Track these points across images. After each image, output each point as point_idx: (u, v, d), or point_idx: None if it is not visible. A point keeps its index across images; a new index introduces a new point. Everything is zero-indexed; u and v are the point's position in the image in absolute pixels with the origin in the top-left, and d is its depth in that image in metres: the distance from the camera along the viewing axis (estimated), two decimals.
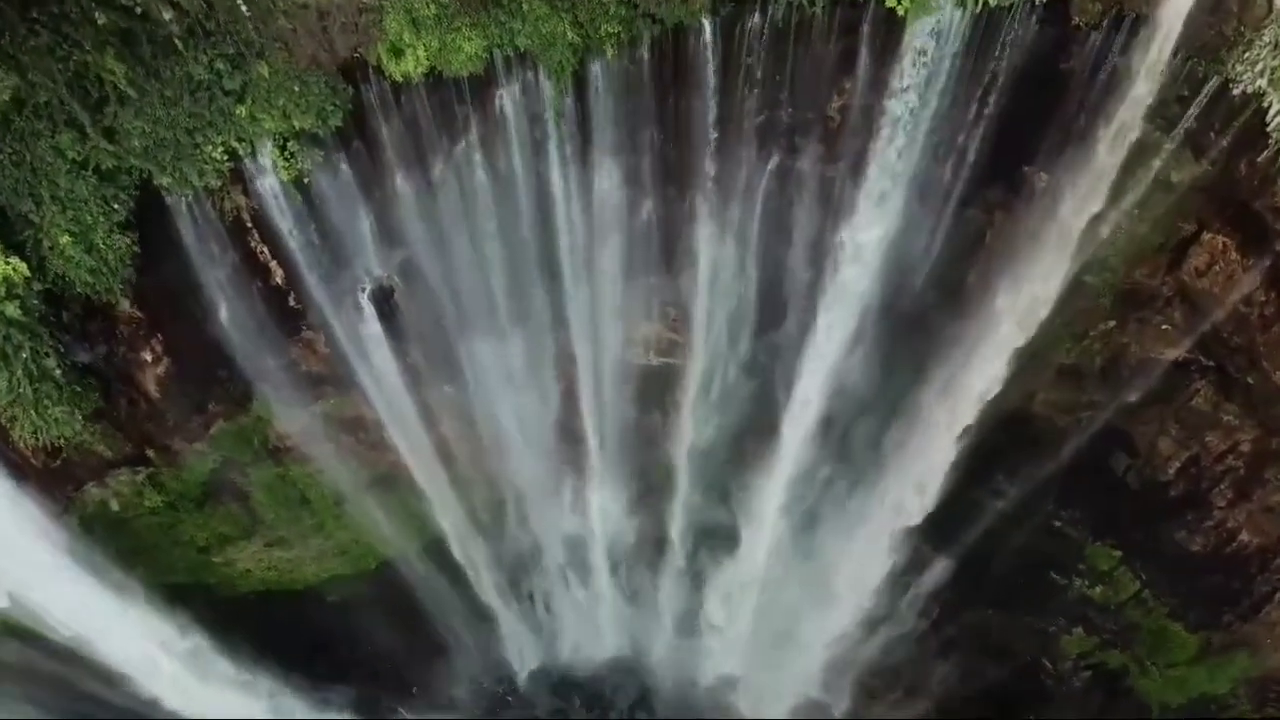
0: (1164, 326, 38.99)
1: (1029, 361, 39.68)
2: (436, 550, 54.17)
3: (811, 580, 53.87)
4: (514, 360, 42.84)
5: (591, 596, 59.17)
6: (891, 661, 57.37)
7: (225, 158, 32.08)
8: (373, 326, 38.43)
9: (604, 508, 51.69)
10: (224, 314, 37.01)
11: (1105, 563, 46.65)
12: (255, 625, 54.16)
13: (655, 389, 46.09)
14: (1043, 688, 53.00)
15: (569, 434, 48.03)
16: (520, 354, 42.64)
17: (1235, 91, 29.47)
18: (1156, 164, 32.33)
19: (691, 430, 46.57)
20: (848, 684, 60.78)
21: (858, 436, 44.43)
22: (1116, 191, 32.99)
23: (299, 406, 42.88)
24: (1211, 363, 39.03)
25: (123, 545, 46.38)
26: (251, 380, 40.86)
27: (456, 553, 53.32)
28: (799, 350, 40.55)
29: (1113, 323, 39.55)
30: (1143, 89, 29.84)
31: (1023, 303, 37.55)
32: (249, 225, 35.06)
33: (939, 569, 50.84)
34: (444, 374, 42.87)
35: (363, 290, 37.49)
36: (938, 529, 48.40)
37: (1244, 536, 40.95)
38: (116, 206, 32.59)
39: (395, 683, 61.92)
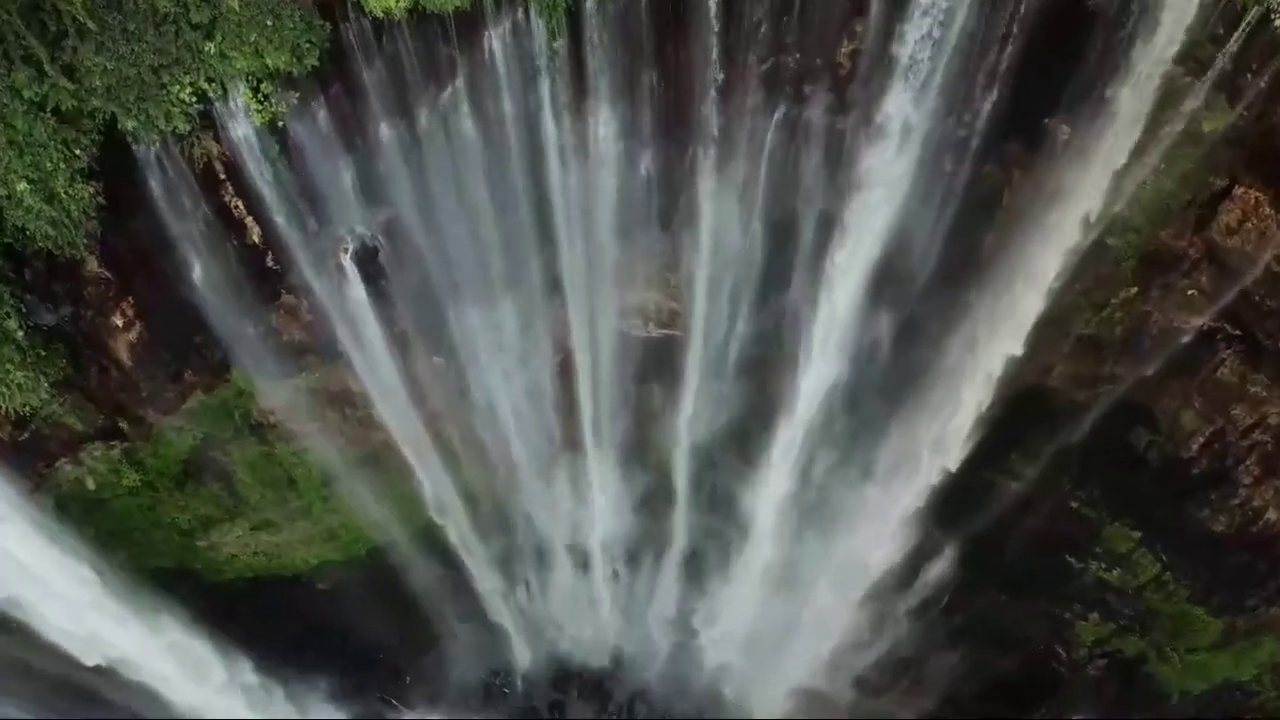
0: (1190, 292, 36.50)
1: (1047, 332, 37.38)
2: (429, 536, 51.47)
3: (817, 566, 50.87)
4: (506, 329, 40.17)
5: (589, 584, 56.37)
6: (897, 652, 54.46)
7: (194, 99, 29.42)
8: (356, 290, 35.70)
9: (602, 489, 48.89)
10: (198, 274, 34.25)
11: (1124, 544, 44.07)
12: (245, 613, 51.30)
13: (655, 363, 43.22)
14: (1055, 677, 50.44)
15: (565, 411, 45.21)
16: (513, 323, 39.97)
17: (1278, 23, 26.52)
18: (1186, 112, 29.78)
19: (693, 406, 43.80)
20: (852, 677, 57.89)
21: (868, 412, 41.48)
22: (1143, 144, 30.53)
23: (281, 378, 40.13)
24: (1238, 331, 36.77)
25: (102, 527, 43.75)
26: (230, 348, 38.10)
27: (449, 538, 50.29)
28: (806, 318, 37.65)
29: (1135, 290, 37.04)
30: (1173, 27, 27.18)
31: (1043, 267, 34.25)
32: (222, 176, 32.31)
33: (949, 554, 48.01)
34: (433, 344, 40.18)
35: (345, 251, 34.76)
36: (948, 512, 45.66)
37: (1271, 515, 39.09)
38: (78, 152, 29.81)
39: (388, 673, 59.53)
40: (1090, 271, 35.82)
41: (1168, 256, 35.71)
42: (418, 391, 42.20)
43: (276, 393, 41.35)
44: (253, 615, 52.61)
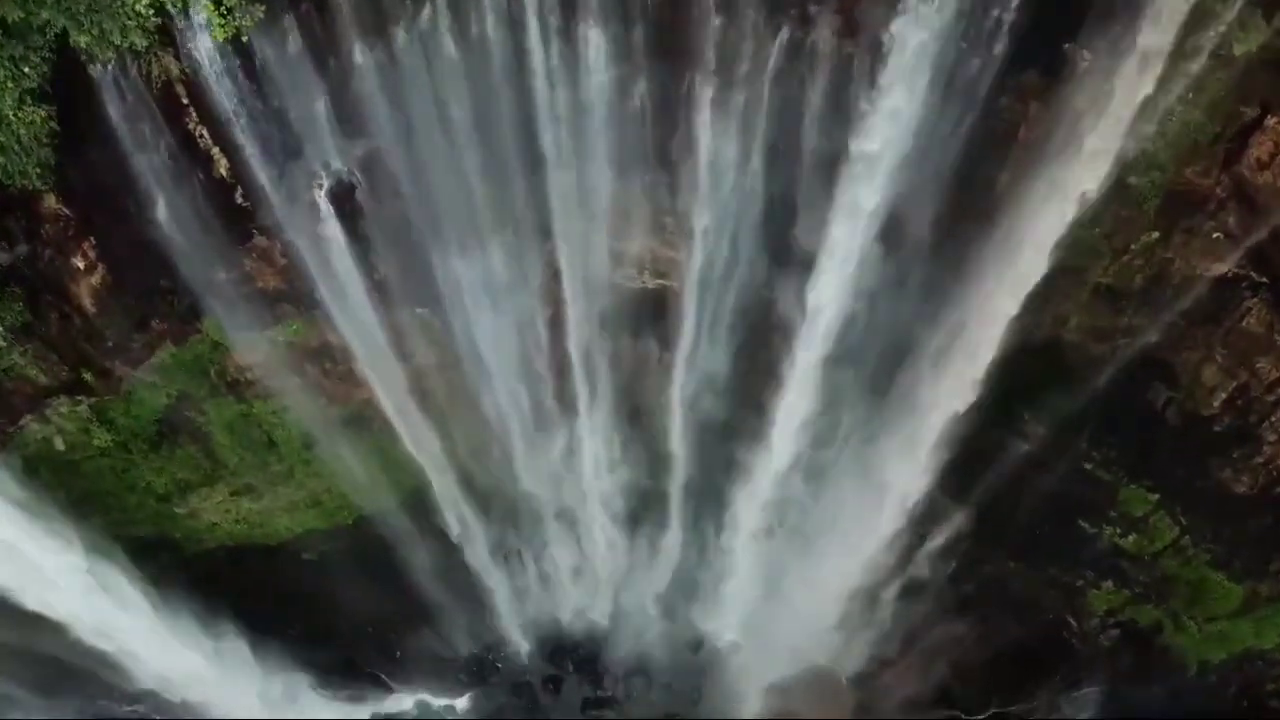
0: (1215, 235, 34.05)
1: (1063, 280, 35.20)
2: (417, 503, 48.92)
3: (820, 534, 48.25)
4: (494, 279, 37.46)
5: (584, 553, 53.71)
6: (904, 623, 51.82)
7: (151, 11, 26.72)
8: (332, 229, 33.14)
9: (595, 452, 46.27)
10: (162, 211, 31.65)
11: (1140, 507, 41.57)
12: (227, 584, 48.65)
13: (650, 316, 40.51)
14: (1067, 648, 47.90)
15: (556, 369, 42.49)
16: (501, 271, 37.35)
17: None
18: (1217, 32, 27.38)
19: (690, 362, 41.10)
20: (857, 648, 55.22)
21: (876, 364, 38.81)
22: (1169, 70, 28.08)
23: (256, 330, 37.53)
24: (1265, 278, 34.33)
25: (74, 490, 41.02)
26: (200, 295, 35.49)
27: (438, 505, 47.57)
28: (811, 262, 34.89)
29: (1156, 234, 34.58)
30: None
31: (1059, 209, 31.92)
32: (184, 101, 29.70)
33: (957, 519, 45.45)
34: (416, 293, 37.59)
35: (319, 187, 32.15)
36: (956, 476, 43.10)
37: None
38: (28, 70, 27.33)
39: (378, 647, 56.68)
40: (1109, 214, 33.48)
41: (1193, 196, 33.22)
42: (401, 346, 39.66)
43: (252, 347, 38.69)
44: (236, 587, 49.78)
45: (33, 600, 38.45)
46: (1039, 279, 34.18)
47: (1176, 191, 33.18)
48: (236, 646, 50.15)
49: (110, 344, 35.76)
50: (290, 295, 36.76)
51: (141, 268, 33.97)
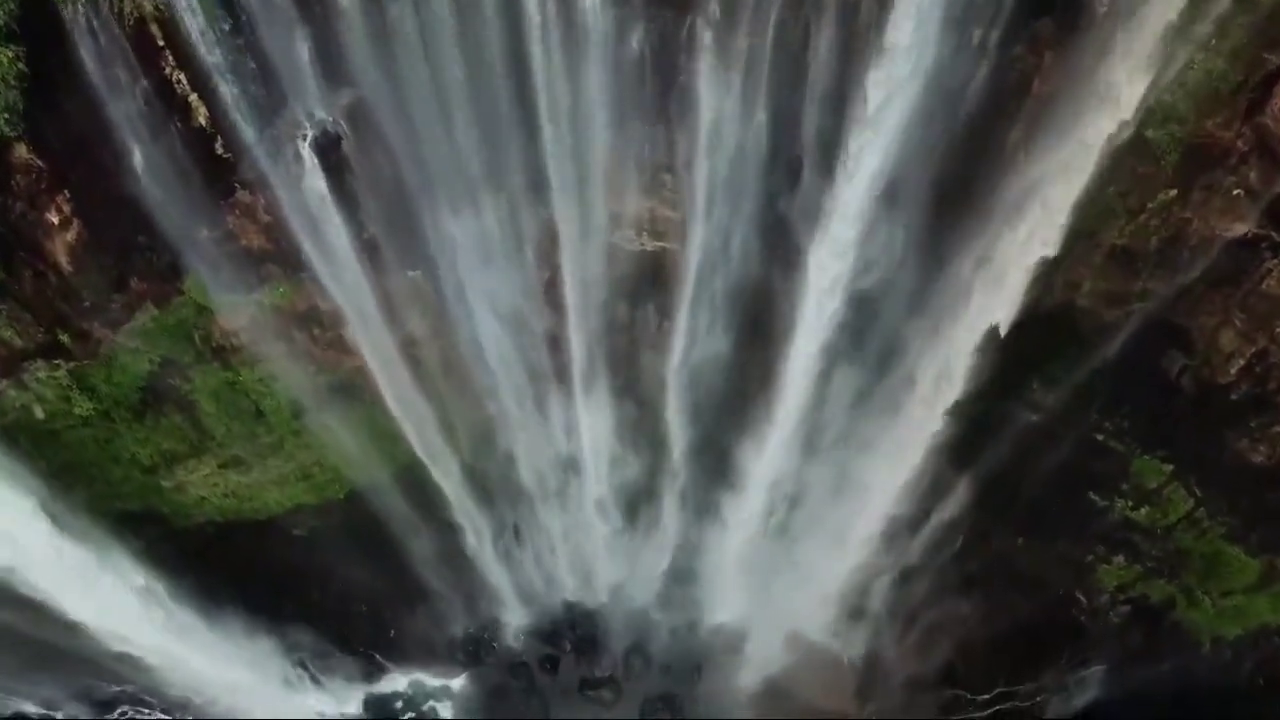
0: (1235, 192, 32.70)
1: (1077, 243, 34.02)
2: (410, 477, 47.26)
3: (823, 506, 46.61)
4: (487, 239, 35.86)
5: (581, 529, 52.03)
6: (908, 601, 50.21)
7: None
8: (317, 184, 31.51)
9: (592, 424, 44.55)
10: (139, 162, 30.06)
11: (1154, 479, 40.06)
12: (216, 561, 46.90)
13: (649, 281, 38.85)
14: (1075, 625, 46.33)
15: (552, 336, 40.81)
16: (494, 231, 35.68)
17: None
18: None
19: (690, 329, 39.46)
20: (859, 627, 53.63)
21: (881, 330, 37.19)
22: (1190, 15, 26.87)
23: (241, 291, 35.85)
24: None
25: (55, 461, 39.16)
26: (180, 253, 33.86)
27: (430, 479, 45.81)
28: (816, 222, 33.24)
29: (1174, 192, 33.28)
30: None
31: (1074, 166, 30.53)
32: (160, 43, 28.09)
33: (963, 493, 43.71)
34: (407, 255, 35.94)
35: (303, 138, 30.33)
36: (963, 448, 41.63)
37: None
38: None
39: (371, 626, 54.93)
40: (1126, 171, 32.24)
41: (1214, 149, 31.85)
42: (392, 311, 38.02)
43: (238, 310, 37.06)
44: (225, 564, 48.12)
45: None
46: (1052, 241, 32.40)
47: (1196, 145, 31.85)
48: (227, 624, 47.99)
49: (88, 304, 34.09)
50: (276, 255, 35.09)
51: (119, 224, 32.34)
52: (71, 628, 41.10)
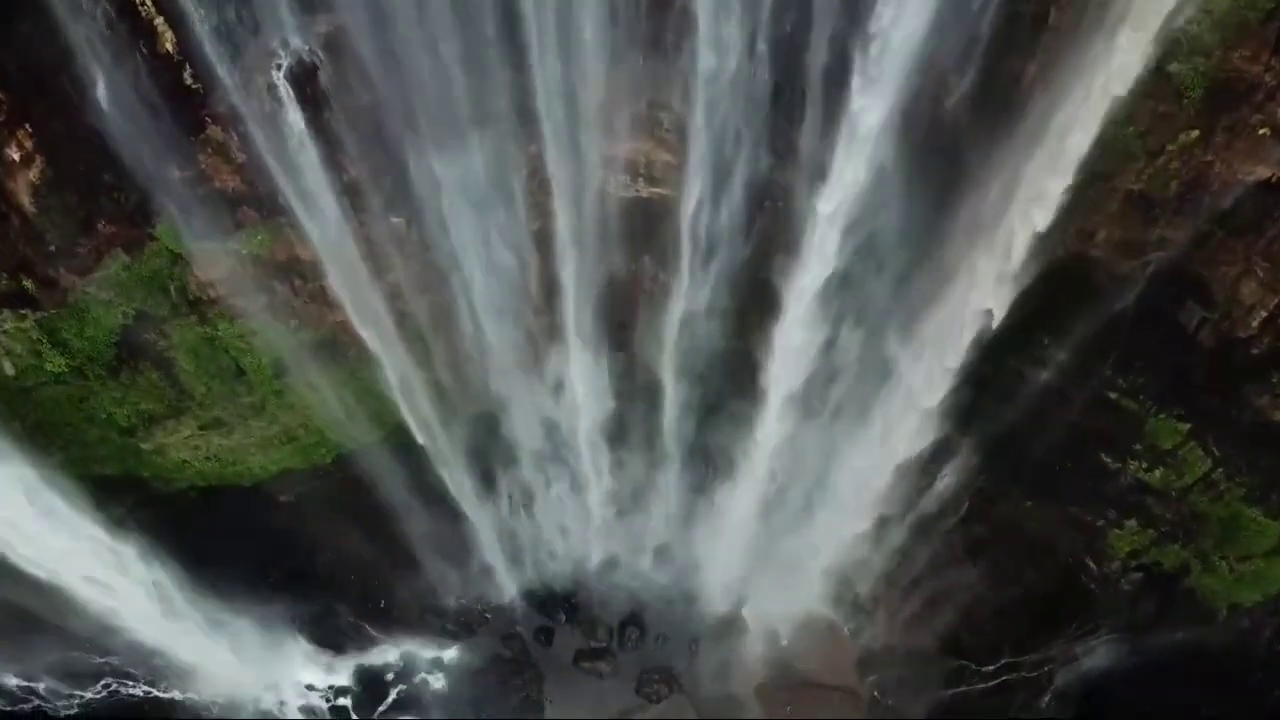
0: (1261, 131, 30.59)
1: (1092, 189, 32.16)
2: (399, 441, 45.38)
3: (826, 470, 44.61)
4: (474, 182, 33.60)
5: (575, 495, 50.02)
6: (911, 569, 48.33)
7: None
8: (294, 119, 29.40)
9: (587, 382, 42.36)
10: (102, 91, 27.85)
11: (1169, 439, 38.16)
12: (200, 528, 44.96)
13: (645, 230, 36.70)
14: (1084, 593, 44.57)
15: (544, 291, 38.68)
16: (482, 173, 33.38)
17: None
18: None
19: (687, 283, 37.29)
20: (860, 598, 51.76)
21: (889, 279, 35.12)
22: None
23: (217, 238, 33.75)
24: None
25: (29, 421, 37.25)
26: (150, 193, 31.77)
27: (421, 443, 43.78)
28: (821, 165, 31.08)
29: (1196, 132, 31.21)
30: None
31: (1091, 103, 28.46)
32: None
33: (969, 456, 41.78)
34: (391, 198, 33.82)
35: (278, 68, 28.11)
36: (969, 409, 39.60)
37: None
38: None
39: (360, 596, 53.06)
40: (1145, 109, 30.46)
41: (1239, 85, 29.84)
42: (376, 260, 35.98)
43: (214, 260, 35.05)
44: (209, 531, 46.15)
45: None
46: (1066, 185, 30.43)
47: (1221, 80, 29.88)
48: (211, 594, 46.10)
49: (53, 248, 32.01)
50: (251, 198, 33.00)
51: (84, 161, 30.36)
52: (51, 596, 39.01)
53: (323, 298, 37.35)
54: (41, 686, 46.19)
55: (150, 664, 48.10)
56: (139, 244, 33.21)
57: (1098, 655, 44.40)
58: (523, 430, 46.51)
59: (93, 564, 41.17)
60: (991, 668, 48.45)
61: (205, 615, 47.22)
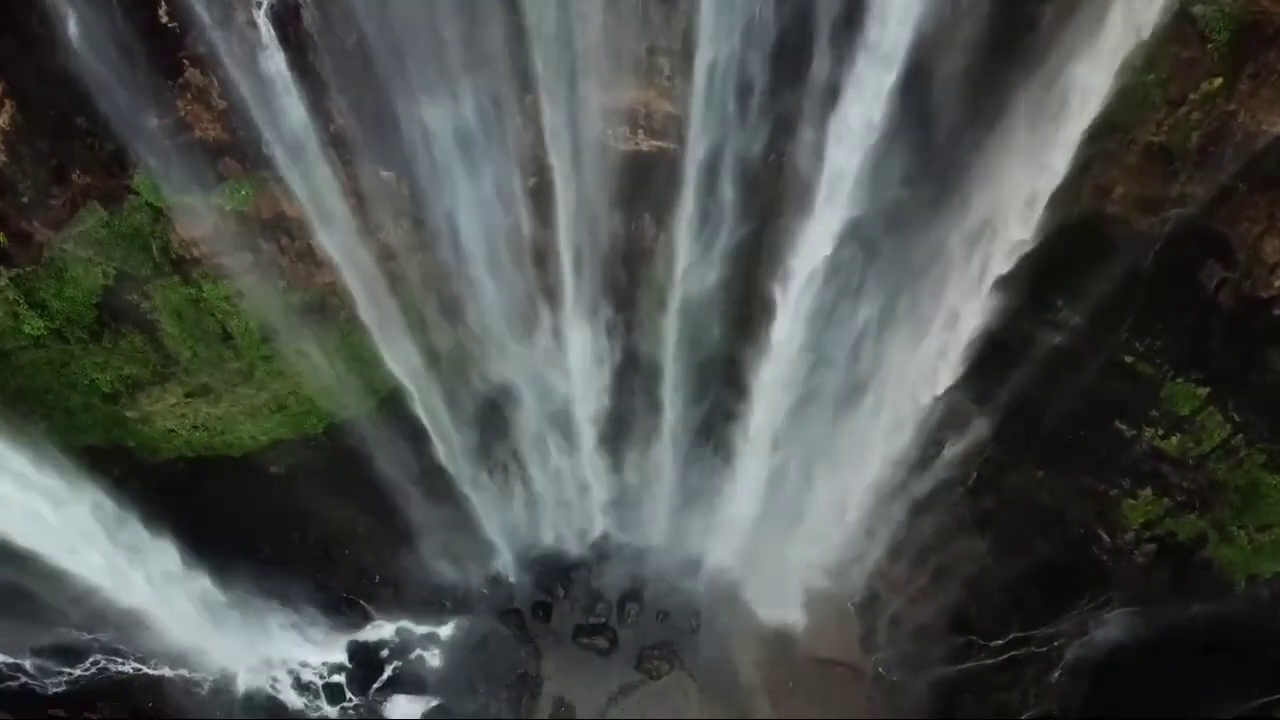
0: None
1: (1110, 140, 30.96)
2: (392, 410, 43.78)
3: (830, 439, 42.99)
4: (467, 132, 31.83)
5: (574, 466, 48.39)
6: (918, 542, 46.76)
7: None
8: (275, 61, 27.64)
9: (584, 346, 40.70)
10: (74, 29, 26.04)
11: (1187, 404, 36.76)
12: (189, 501, 43.39)
13: (645, 186, 34.97)
14: (1097, 565, 43.03)
15: (541, 251, 36.99)
16: (475, 122, 31.58)
17: None
18: None
19: (690, 242, 35.64)
20: (863, 571, 50.22)
21: (902, 231, 33.46)
22: None
23: (198, 191, 32.03)
24: None
25: (9, 387, 36.69)
26: (126, 142, 29.90)
27: (414, 411, 42.07)
28: (831, 111, 29.34)
29: (1219, 80, 29.81)
30: None
31: (1111, 47, 27.09)
32: None
33: (978, 423, 40.26)
34: (380, 149, 32.10)
35: (258, 5, 26.27)
36: (979, 374, 37.91)
37: None
38: None
39: (354, 571, 51.56)
40: (1167, 55, 29.18)
41: (1267, 28, 28.35)
42: (366, 217, 34.30)
43: (196, 216, 33.37)
44: (199, 504, 44.59)
45: None
46: (1082, 134, 29.08)
47: (1249, 23, 28.49)
48: (200, 568, 44.61)
49: (25, 200, 30.32)
50: (233, 148, 31.26)
51: (56, 105, 28.65)
52: (37, 570, 37.65)
53: (310, 257, 35.70)
54: (28, 664, 44.60)
55: (139, 641, 46.40)
56: (117, 197, 31.43)
57: (1110, 629, 42.78)
58: (520, 398, 44.78)
59: (79, 537, 39.13)
60: (1000, 643, 47.05)
61: (195, 591, 45.45)
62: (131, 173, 31.13)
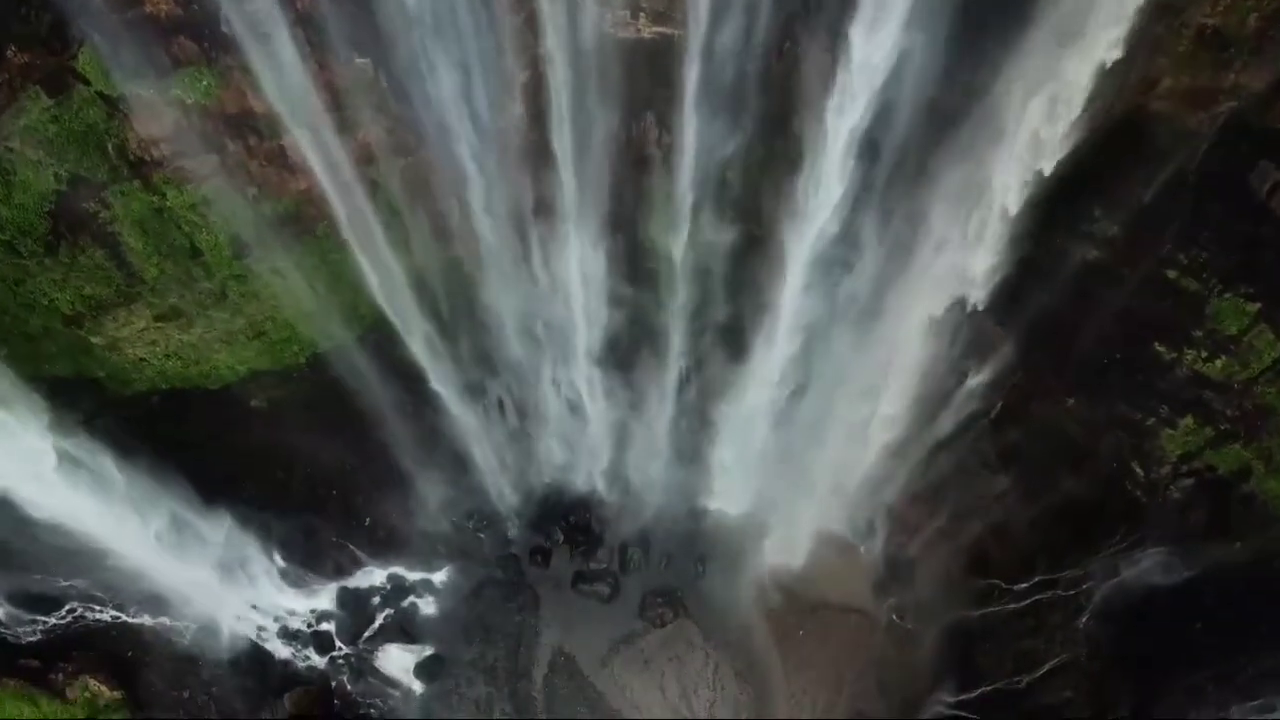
0: None
1: (1156, 25, 27.79)
2: (379, 338, 40.35)
3: (842, 372, 39.48)
4: (451, 17, 27.99)
5: (572, 401, 44.94)
6: (935, 480, 43.32)
7: None
8: None
9: (583, 265, 37.20)
10: None
11: (1235, 322, 33.49)
12: (165, 437, 40.05)
13: (648, 79, 31.32)
14: (1130, 501, 39.49)
15: (536, 158, 33.34)
16: (460, 4, 27.72)
17: None
18: None
19: (696, 143, 31.93)
20: (879, 514, 46.93)
21: (920, 139, 29.88)
22: None
23: (151, 77, 28.39)
24: None
25: None
26: (66, 14, 26.06)
27: (402, 338, 38.65)
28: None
29: None
30: None
31: None
32: None
33: (1004, 348, 36.80)
34: (353, 33, 28.46)
35: None
36: (1006, 294, 34.34)
37: None
38: None
39: (342, 513, 48.43)
40: None
41: None
42: (340, 112, 30.50)
43: (156, 112, 30.04)
44: (176, 441, 41.22)
45: None
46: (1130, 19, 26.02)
47: None
48: (179, 511, 41.36)
49: None
50: (189, 26, 27.79)
51: None
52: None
53: (282, 160, 32.37)
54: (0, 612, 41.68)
55: (117, 587, 43.34)
56: (63, 83, 27.77)
57: (1143, 570, 39.28)
58: (514, 326, 41.42)
59: (50, 475, 35.89)
60: (1024, 586, 43.64)
61: (170, 534, 42.29)
62: (75, 50, 27.40)
